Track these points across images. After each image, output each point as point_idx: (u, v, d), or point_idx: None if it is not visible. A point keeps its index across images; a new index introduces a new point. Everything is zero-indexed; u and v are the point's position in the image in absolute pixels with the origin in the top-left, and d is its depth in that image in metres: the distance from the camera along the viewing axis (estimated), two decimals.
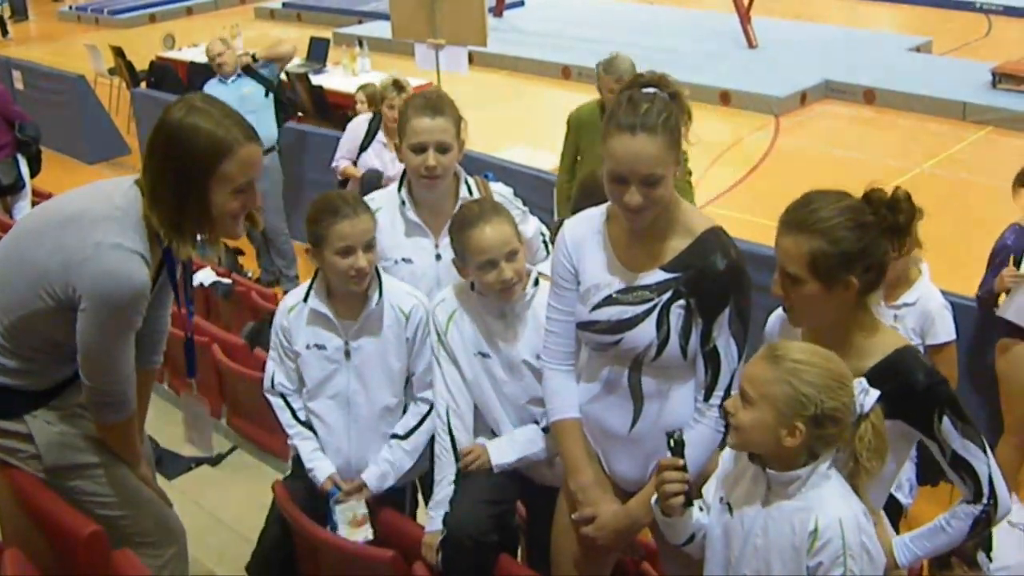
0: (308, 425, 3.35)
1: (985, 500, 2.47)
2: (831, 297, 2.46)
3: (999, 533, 3.68)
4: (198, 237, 2.76)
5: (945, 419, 2.42)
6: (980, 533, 2.53)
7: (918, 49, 13.91)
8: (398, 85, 6.81)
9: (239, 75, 7.62)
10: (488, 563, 3.13)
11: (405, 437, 3.30)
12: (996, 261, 4.94)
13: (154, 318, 2.93)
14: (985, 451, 2.47)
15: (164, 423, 4.50)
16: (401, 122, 3.37)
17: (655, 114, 2.55)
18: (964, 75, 12.21)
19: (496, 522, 3.12)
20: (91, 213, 2.67)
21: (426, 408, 3.31)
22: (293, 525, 3.33)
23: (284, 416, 3.36)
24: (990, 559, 3.70)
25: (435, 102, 3.37)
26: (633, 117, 2.55)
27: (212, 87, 7.64)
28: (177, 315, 3.19)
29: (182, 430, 3.81)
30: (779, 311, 2.77)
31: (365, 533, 3.24)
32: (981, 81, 11.80)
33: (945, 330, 4.27)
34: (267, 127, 7.44)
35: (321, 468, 3.31)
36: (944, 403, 2.44)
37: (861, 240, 2.43)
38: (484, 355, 3.17)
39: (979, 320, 5.14)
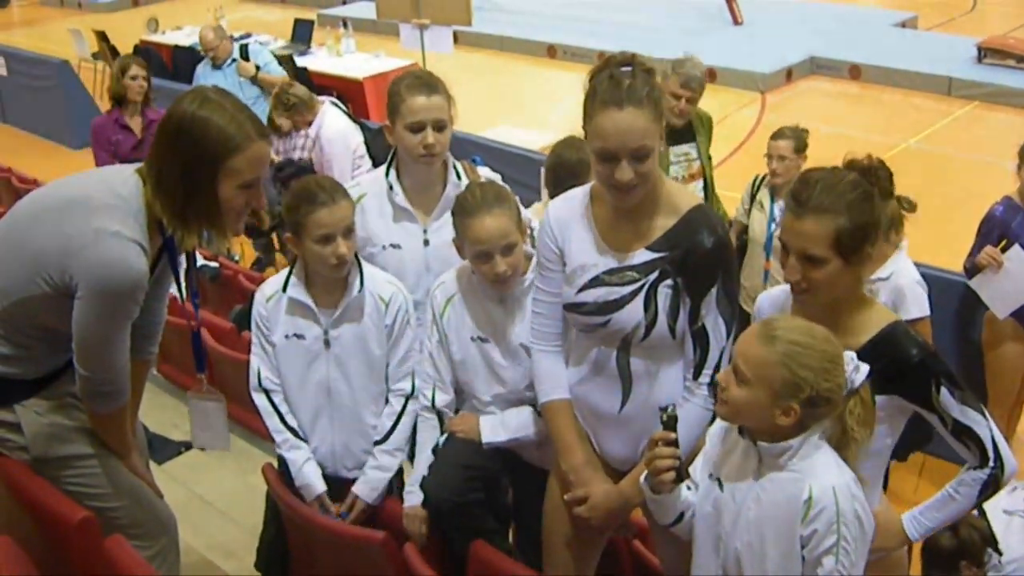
0: (295, 431, 3.27)
1: (991, 463, 2.49)
2: (849, 272, 2.47)
3: (997, 524, 3.66)
4: (203, 230, 2.74)
5: (943, 390, 2.44)
6: (989, 496, 2.54)
7: (903, 25, 13.93)
8: (283, 102, 6.71)
9: (232, 60, 7.80)
10: (475, 522, 3.12)
11: (384, 441, 3.27)
12: (983, 230, 4.94)
13: (151, 309, 2.91)
14: (984, 415, 2.49)
15: (152, 407, 4.49)
16: (394, 102, 3.32)
17: (639, 87, 2.54)
18: (950, 50, 12.22)
19: (474, 484, 3.10)
20: (91, 200, 2.63)
21: (401, 404, 3.27)
22: (283, 508, 3.33)
23: (272, 422, 3.28)
24: (999, 552, 3.68)
25: (428, 80, 3.34)
26: (618, 92, 2.53)
27: (206, 72, 7.85)
28: (174, 305, 3.15)
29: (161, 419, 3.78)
30: (770, 292, 2.77)
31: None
32: (966, 56, 11.82)
33: (917, 306, 4.20)
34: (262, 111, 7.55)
35: (311, 487, 3.26)
36: (940, 374, 2.45)
37: (873, 210, 2.45)
38: (483, 340, 3.15)
39: (964, 294, 5.15)
